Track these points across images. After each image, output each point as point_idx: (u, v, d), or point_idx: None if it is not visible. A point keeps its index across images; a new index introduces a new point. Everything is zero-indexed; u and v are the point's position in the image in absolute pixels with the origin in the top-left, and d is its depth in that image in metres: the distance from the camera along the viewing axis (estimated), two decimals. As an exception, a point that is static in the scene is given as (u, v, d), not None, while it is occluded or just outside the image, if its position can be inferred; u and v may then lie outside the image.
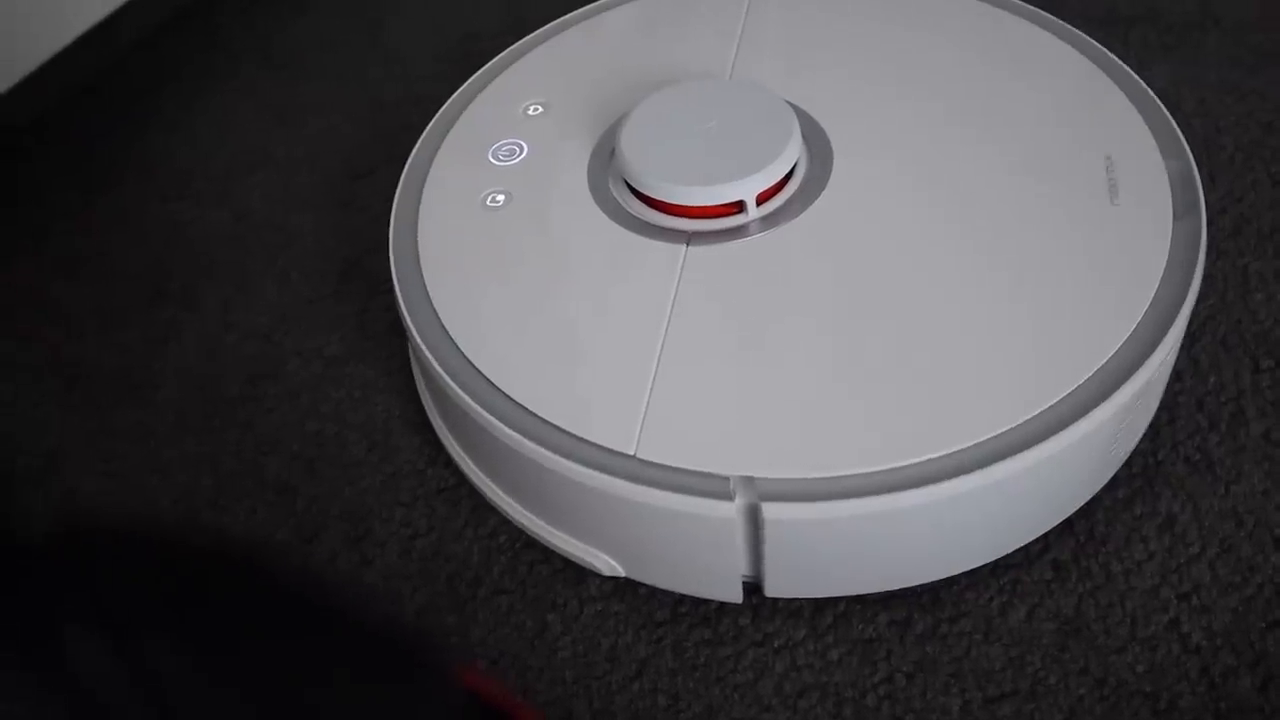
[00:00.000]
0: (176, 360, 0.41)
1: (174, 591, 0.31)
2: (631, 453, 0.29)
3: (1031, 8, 0.42)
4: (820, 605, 0.32)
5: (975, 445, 0.29)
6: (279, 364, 0.40)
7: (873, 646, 0.31)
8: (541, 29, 0.44)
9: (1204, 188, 0.42)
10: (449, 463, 0.37)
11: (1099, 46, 0.40)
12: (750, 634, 0.32)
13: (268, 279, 0.44)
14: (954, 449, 0.29)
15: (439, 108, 0.42)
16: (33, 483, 0.38)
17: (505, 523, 0.35)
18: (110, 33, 0.53)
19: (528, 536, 0.34)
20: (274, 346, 0.41)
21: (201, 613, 0.30)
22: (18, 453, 0.39)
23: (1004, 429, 0.29)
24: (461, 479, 0.36)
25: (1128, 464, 0.34)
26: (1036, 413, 0.29)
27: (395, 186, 0.40)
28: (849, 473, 0.28)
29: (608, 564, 0.32)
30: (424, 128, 0.42)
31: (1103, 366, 0.30)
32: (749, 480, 0.29)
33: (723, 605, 0.32)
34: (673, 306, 0.32)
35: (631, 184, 0.35)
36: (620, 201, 0.35)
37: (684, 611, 0.32)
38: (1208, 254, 0.40)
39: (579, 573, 0.33)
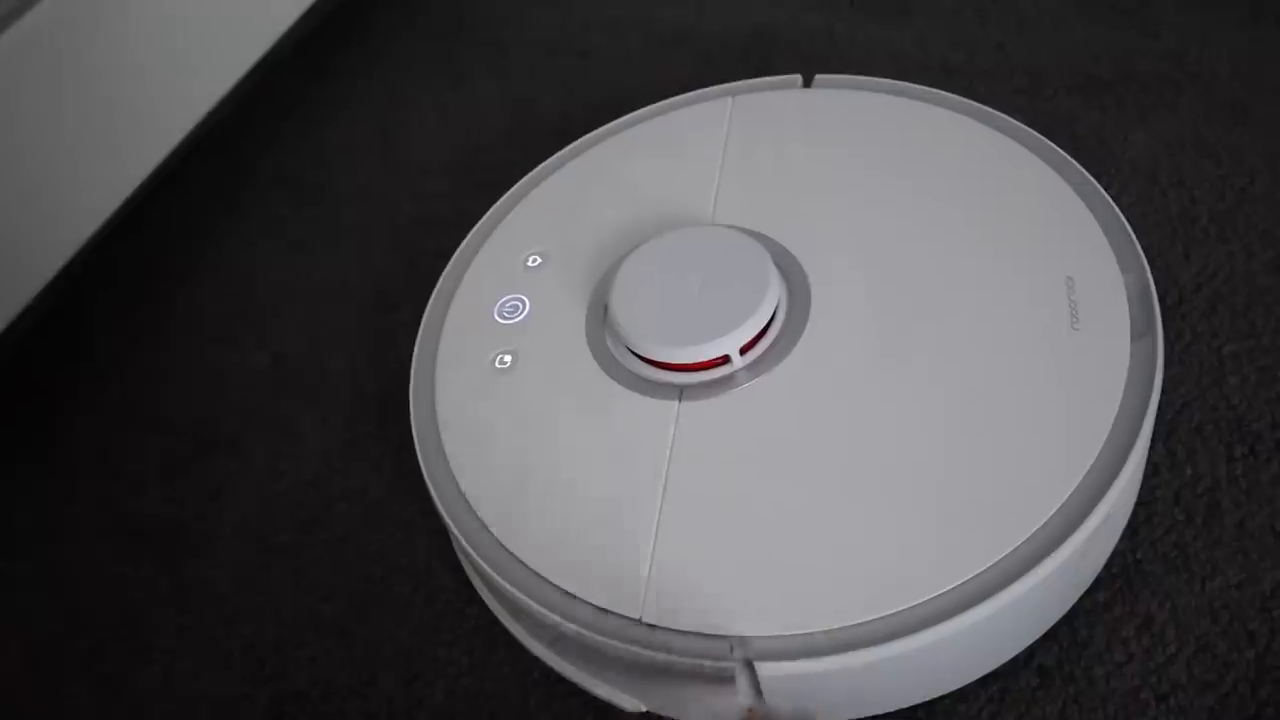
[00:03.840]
0: (232, 512, 0.45)
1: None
2: (638, 617, 0.33)
3: (998, 114, 0.44)
4: (825, 728, 0.35)
5: (956, 587, 0.32)
6: (326, 510, 0.44)
7: (875, 763, 0.34)
8: (533, 171, 0.47)
9: (1178, 264, 0.44)
10: (484, 602, 0.40)
11: (1060, 152, 0.42)
12: (764, 757, 0.35)
13: (308, 423, 0.47)
14: (936, 593, 0.32)
15: (452, 225, 0.45)
16: (115, 639, 0.42)
17: (537, 660, 0.38)
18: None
19: (558, 673, 0.38)
20: (320, 492, 0.45)
21: None
22: (97, 611, 0.43)
23: (980, 570, 0.32)
24: (495, 617, 0.40)
25: (1108, 565, 0.37)
26: (1008, 552, 0.32)
27: (417, 319, 0.43)
28: (839, 625, 0.31)
29: (631, 703, 0.35)
30: (440, 249, 0.45)
31: (1068, 499, 0.33)
32: (744, 639, 0.32)
33: (737, 733, 0.35)
34: (669, 465, 0.35)
35: (625, 344, 0.38)
36: (617, 357, 0.38)
37: (703, 740, 0.36)
38: (1181, 338, 0.42)
39: (607, 707, 0.37)
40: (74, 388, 0.51)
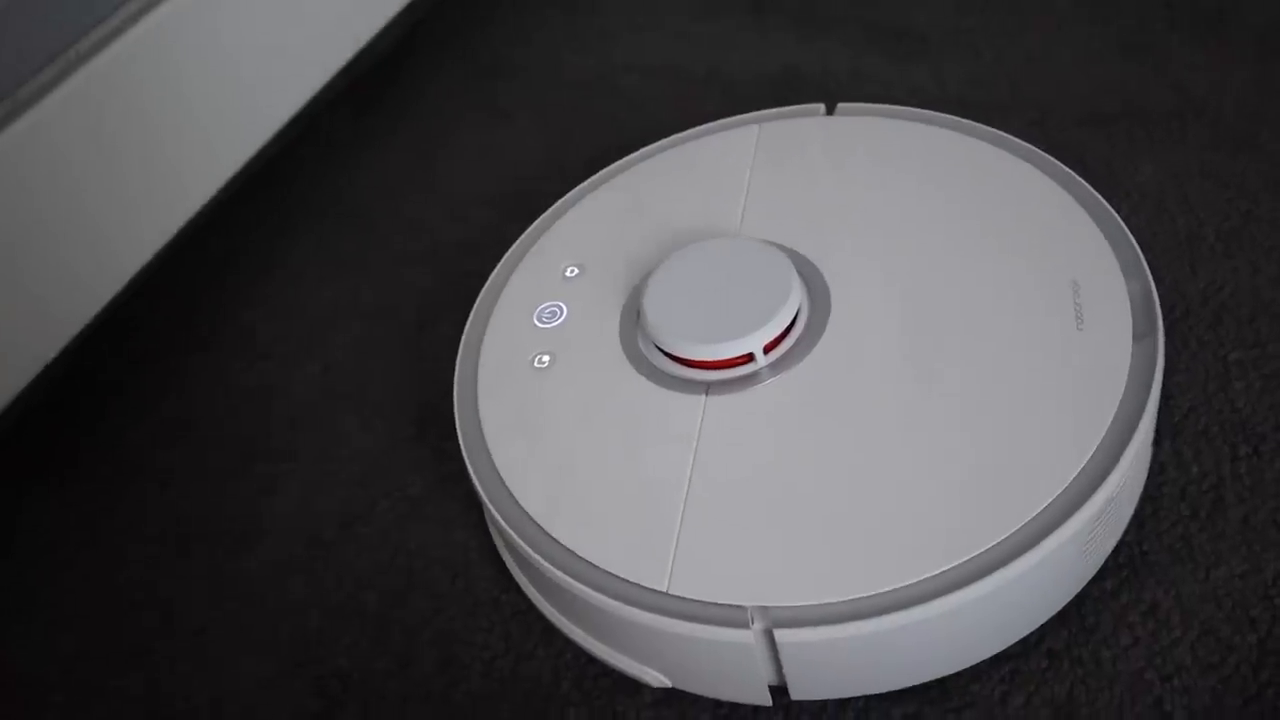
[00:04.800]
0: (279, 510, 0.47)
1: None
2: (664, 589, 0.35)
3: (1009, 137, 0.46)
4: (842, 703, 0.37)
5: (965, 562, 0.34)
6: (369, 507, 0.47)
7: (890, 739, 0.36)
8: (571, 192, 0.50)
9: (1185, 280, 0.46)
10: (520, 589, 0.42)
11: (1067, 170, 0.44)
12: (783, 732, 0.37)
13: (353, 428, 0.50)
14: (946, 567, 0.33)
15: (492, 250, 0.48)
16: (166, 622, 0.44)
17: (569, 642, 0.40)
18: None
19: (588, 654, 0.40)
20: (364, 490, 0.47)
21: None
22: (143, 607, 0.45)
23: (988, 546, 0.34)
24: (530, 604, 0.42)
25: (1115, 554, 0.38)
26: (1015, 529, 0.34)
27: (457, 333, 0.46)
28: (853, 596, 0.33)
29: (656, 678, 0.37)
30: (480, 272, 0.48)
31: (1071, 483, 0.34)
32: (764, 609, 0.34)
33: (757, 708, 0.37)
34: (695, 454, 0.38)
35: (656, 344, 0.40)
36: (648, 357, 0.41)
37: (724, 715, 0.37)
38: (1188, 346, 0.44)
39: (634, 684, 0.39)
40: (134, 394, 0.54)
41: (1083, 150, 0.53)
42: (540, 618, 0.41)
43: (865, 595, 0.33)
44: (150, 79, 0.54)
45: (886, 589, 0.33)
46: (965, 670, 0.36)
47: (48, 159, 0.50)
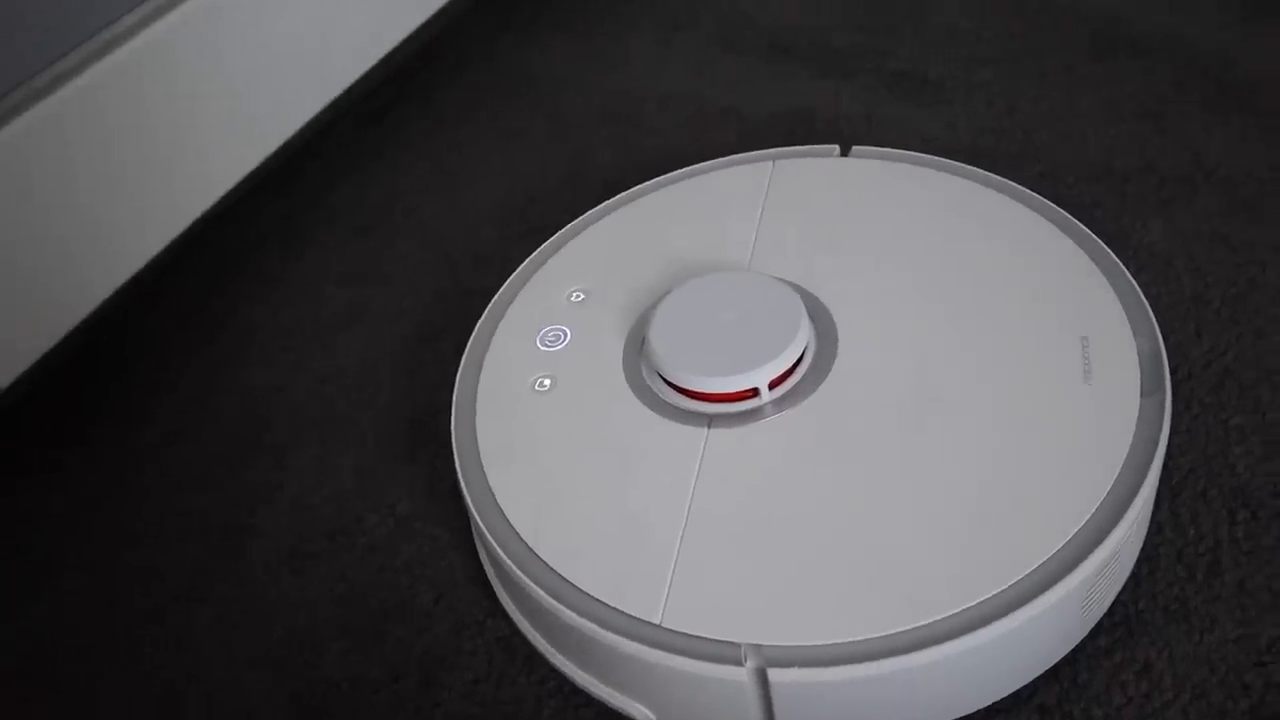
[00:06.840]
0: (272, 516, 0.47)
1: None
2: (658, 621, 0.34)
3: (1023, 189, 0.46)
4: (830, 749, 0.36)
5: (963, 610, 0.33)
6: (359, 521, 0.46)
7: (877, 787, 0.35)
8: (581, 216, 0.50)
9: (1189, 342, 0.46)
10: (505, 615, 0.42)
11: (1079, 224, 0.44)
12: (768, 775, 0.36)
13: (349, 439, 0.49)
14: (944, 615, 0.33)
15: (499, 268, 0.48)
16: (149, 629, 0.44)
17: (554, 671, 0.40)
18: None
19: (573, 684, 0.39)
20: (354, 504, 0.47)
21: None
22: (140, 598, 0.45)
23: (988, 595, 0.33)
24: (515, 630, 0.41)
25: (1110, 613, 0.38)
26: (1016, 580, 0.34)
27: (458, 350, 0.46)
28: (847, 639, 0.33)
29: (642, 713, 0.37)
30: (486, 289, 0.48)
31: (1074, 536, 0.34)
32: (758, 647, 0.33)
33: (744, 749, 0.36)
34: (695, 486, 0.37)
35: (660, 373, 0.40)
36: (651, 386, 0.41)
37: (710, 754, 0.37)
38: (1190, 409, 0.44)
39: (619, 718, 0.38)
40: (132, 392, 0.54)
41: (1092, 206, 0.53)
42: (525, 644, 0.41)
43: (860, 639, 0.33)
44: (167, 77, 0.54)
45: (882, 634, 0.33)
46: (954, 722, 0.36)
47: (56, 151, 0.49)
